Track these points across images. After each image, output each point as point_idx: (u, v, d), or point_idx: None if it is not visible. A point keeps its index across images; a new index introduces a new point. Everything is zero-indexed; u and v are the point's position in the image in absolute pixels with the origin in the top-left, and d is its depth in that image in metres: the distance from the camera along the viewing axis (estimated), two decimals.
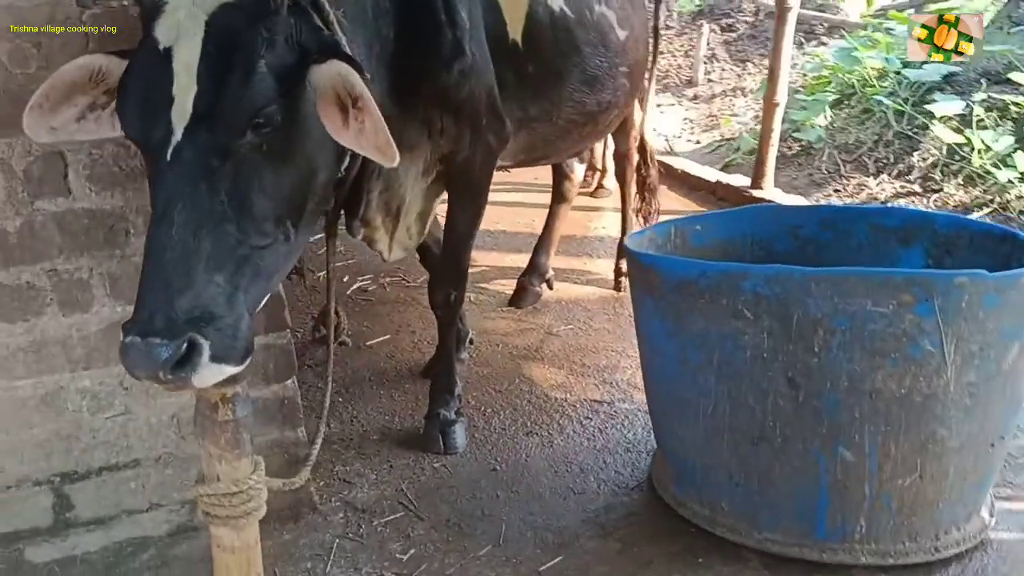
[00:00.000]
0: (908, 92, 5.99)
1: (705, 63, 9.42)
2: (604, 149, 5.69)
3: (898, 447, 2.09)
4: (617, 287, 4.24)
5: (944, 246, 2.55)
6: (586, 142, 3.46)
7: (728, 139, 7.43)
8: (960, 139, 5.32)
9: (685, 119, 8.46)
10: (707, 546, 2.35)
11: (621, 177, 4.39)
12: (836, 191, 5.74)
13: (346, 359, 3.57)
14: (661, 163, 5.31)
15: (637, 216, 4.40)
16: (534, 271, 4.13)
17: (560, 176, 4.20)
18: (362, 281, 4.46)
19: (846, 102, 6.56)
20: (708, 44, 9.60)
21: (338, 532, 2.48)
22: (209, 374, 1.58)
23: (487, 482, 2.71)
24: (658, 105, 8.32)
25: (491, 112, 2.55)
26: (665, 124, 8.02)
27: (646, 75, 3.93)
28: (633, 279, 2.58)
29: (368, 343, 3.75)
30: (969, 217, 4.47)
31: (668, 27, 10.39)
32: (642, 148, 4.29)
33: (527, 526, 2.48)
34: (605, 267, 4.53)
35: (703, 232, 2.76)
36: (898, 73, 6.20)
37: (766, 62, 6.07)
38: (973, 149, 5.23)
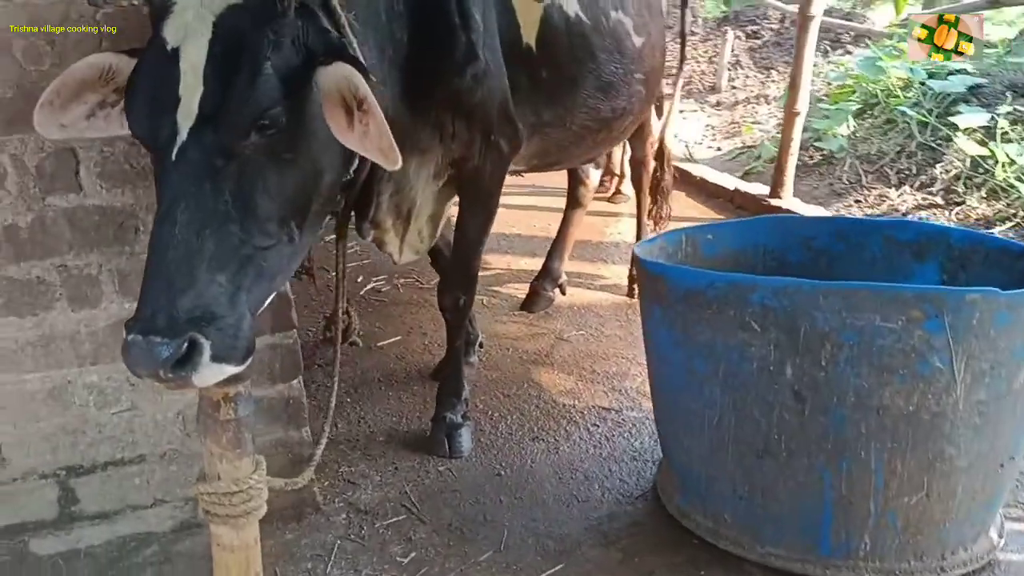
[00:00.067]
0: (933, 103, 5.92)
1: (729, 70, 9.39)
2: (622, 154, 5.66)
3: (905, 465, 2.06)
4: (631, 293, 4.22)
5: (959, 261, 2.52)
6: (600, 148, 3.44)
7: (749, 147, 7.39)
8: (984, 152, 5.25)
9: (707, 125, 8.43)
10: (710, 558, 2.33)
11: (637, 183, 4.38)
12: (857, 202, 5.69)
13: (356, 359, 3.58)
14: (679, 169, 5.30)
15: (649, 219, 4.38)
16: (547, 276, 4.12)
17: (575, 181, 4.19)
18: (376, 282, 4.47)
19: (869, 112, 6.49)
20: (732, 50, 9.55)
21: (340, 533, 2.48)
22: (209, 373, 1.59)
23: (491, 487, 2.70)
24: (680, 111, 8.28)
25: (504, 117, 2.55)
26: (686, 130, 7.99)
27: (667, 81, 3.91)
28: (642, 287, 2.56)
29: (379, 344, 3.75)
30: (987, 232, 4.41)
31: (693, 33, 10.35)
32: (660, 152, 4.27)
33: (529, 532, 2.47)
34: (619, 273, 4.52)
35: (715, 241, 2.74)
36: (923, 84, 6.13)
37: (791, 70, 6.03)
38: (997, 162, 5.15)
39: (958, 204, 5.20)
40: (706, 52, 10.24)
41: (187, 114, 1.59)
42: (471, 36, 2.35)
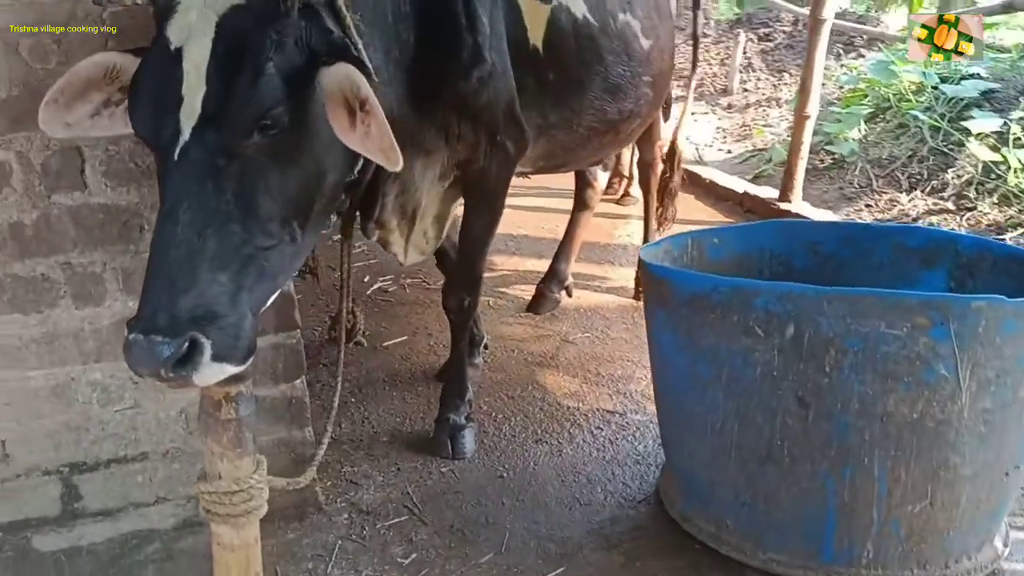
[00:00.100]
0: (945, 108, 5.88)
1: (741, 72, 9.34)
2: (632, 156, 5.65)
3: (908, 473, 2.04)
4: (637, 296, 4.20)
5: (967, 268, 2.50)
6: (607, 151, 3.43)
7: (760, 149, 7.35)
8: (996, 157, 5.21)
9: (718, 128, 8.39)
10: (712, 563, 2.33)
11: (645, 185, 4.37)
12: (867, 206, 5.65)
13: (361, 359, 3.58)
14: (688, 172, 5.26)
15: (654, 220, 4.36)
16: (553, 278, 4.11)
17: (583, 183, 4.18)
18: (382, 282, 4.47)
19: (881, 116, 6.45)
20: (745, 53, 9.51)
21: (341, 533, 2.48)
22: (210, 373, 1.59)
23: (493, 489, 2.69)
24: (691, 113, 8.25)
25: (510, 119, 2.54)
26: (697, 132, 7.96)
27: (679, 83, 3.90)
28: (646, 290, 2.56)
29: (384, 344, 3.75)
30: (995, 239, 4.38)
31: (705, 35, 10.32)
32: (672, 153, 4.25)
33: (531, 535, 2.47)
34: (626, 275, 4.50)
35: (720, 245, 2.72)
36: (935, 88, 6.08)
37: None
38: (1009, 168, 5.12)
39: (969, 210, 5.16)
40: (718, 54, 10.20)
41: (190, 114, 1.59)
42: (477, 38, 2.34)
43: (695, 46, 4.41)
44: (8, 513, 2.31)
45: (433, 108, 2.37)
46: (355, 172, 2.07)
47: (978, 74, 6.01)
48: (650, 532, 2.49)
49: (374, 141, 1.67)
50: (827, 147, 6.39)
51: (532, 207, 5.66)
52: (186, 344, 1.54)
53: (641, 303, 4.08)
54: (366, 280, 4.47)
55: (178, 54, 1.60)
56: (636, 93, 3.04)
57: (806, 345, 2.03)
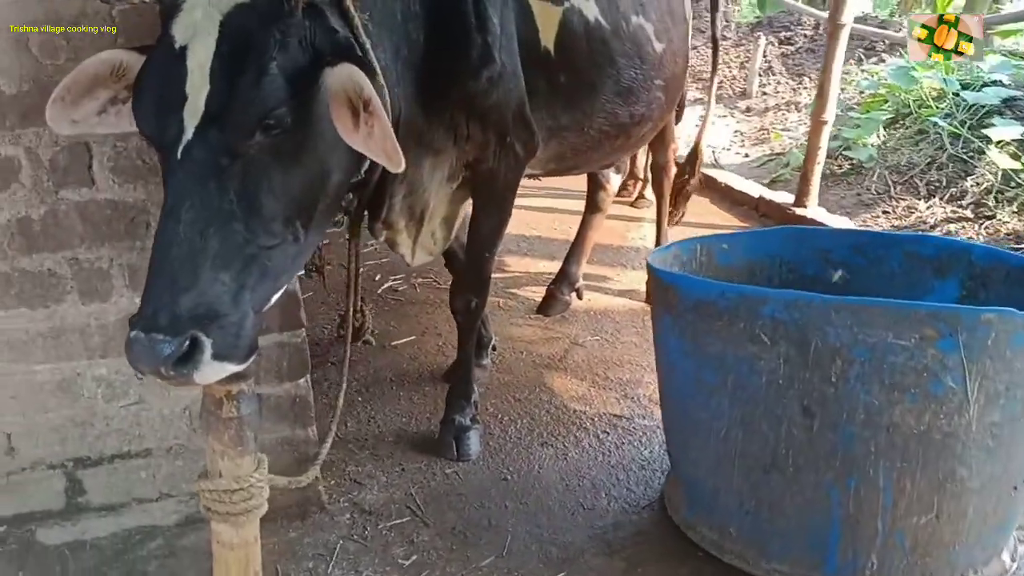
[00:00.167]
0: (965, 115, 5.82)
1: (760, 76, 9.29)
2: (647, 159, 5.63)
3: (914, 485, 2.01)
4: (649, 300, 4.18)
5: (980, 279, 2.46)
6: (618, 154, 3.41)
7: (778, 154, 7.31)
8: (1016, 165, 5.15)
9: (736, 131, 8.35)
10: (714, 572, 2.30)
11: (658, 189, 4.35)
12: (885, 212, 5.60)
13: (369, 358, 3.58)
14: (704, 176, 5.23)
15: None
16: (564, 280, 4.10)
17: (595, 186, 4.16)
18: (393, 280, 4.47)
19: (901, 122, 6.40)
20: (765, 56, 9.45)
21: (343, 533, 2.48)
22: (211, 372, 1.60)
23: (497, 491, 2.69)
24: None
25: (519, 120, 2.53)
26: (715, 135, 7.92)
27: (698, 86, 3.87)
28: (653, 295, 2.54)
29: (393, 343, 3.75)
30: (1014, 248, 4.33)
31: (725, 38, 10.27)
32: (693, 156, 4.23)
33: (533, 539, 2.46)
34: (638, 278, 4.48)
35: (730, 251, 2.70)
36: (956, 95, 6.02)
37: None
38: None
39: (988, 218, 5.10)
40: (738, 57, 10.14)
41: (193, 113, 1.59)
42: (487, 38, 2.33)
43: (714, 50, 4.39)
44: (13, 506, 2.32)
45: (442, 108, 2.36)
46: (362, 172, 2.07)
47: (1000, 81, 5.95)
48: (653, 538, 2.47)
49: (377, 142, 1.67)
50: (845, 152, 6.35)
51: (546, 208, 5.64)
52: (187, 343, 1.54)
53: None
54: (377, 279, 4.48)
55: (182, 53, 1.60)
56: (648, 97, 3.02)
57: (812, 354, 2.01)
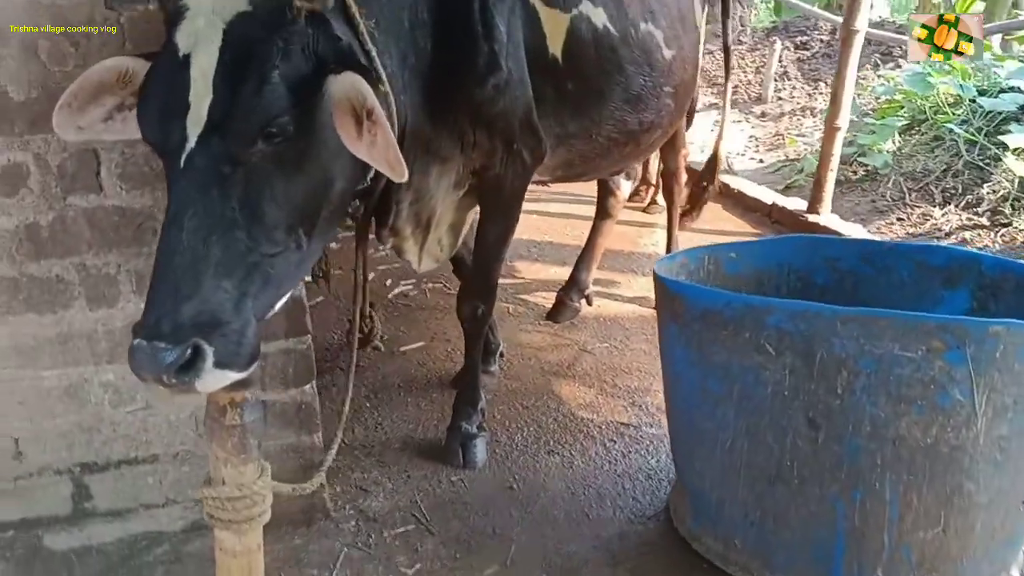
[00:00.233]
0: (982, 121, 5.76)
1: (776, 81, 9.23)
2: (659, 164, 5.61)
3: (921, 498, 1.99)
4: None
5: (990, 289, 2.44)
6: (627, 161, 3.40)
7: (792, 159, 7.26)
8: None
9: (751, 137, 8.30)
10: None
11: (668, 195, 4.33)
12: (899, 219, 5.55)
13: (378, 364, 3.58)
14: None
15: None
16: (573, 286, 4.08)
17: (605, 192, 4.15)
18: (404, 286, 4.47)
19: (916, 128, 6.34)
20: (780, 61, 9.39)
21: (347, 541, 2.48)
22: (213, 379, 1.60)
23: (502, 500, 2.68)
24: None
25: (526, 128, 2.52)
26: (730, 141, 7.88)
27: (713, 90, 3.86)
28: (660, 304, 2.53)
29: (402, 349, 3.75)
30: (1020, 260, 4.27)
31: (740, 42, 10.24)
32: (713, 162, 4.21)
33: (537, 548, 2.45)
34: (649, 285, 4.38)
35: (738, 260, 2.68)
36: (973, 101, 5.97)
37: None
38: None
39: (1004, 226, 5.05)
40: (753, 62, 10.09)
41: (196, 121, 1.60)
42: (494, 46, 2.33)
43: (727, 55, 4.37)
44: (20, 511, 2.34)
45: (449, 115, 2.36)
46: (368, 179, 2.07)
47: (1017, 87, 5.89)
48: (658, 549, 2.45)
49: (380, 151, 1.67)
50: (860, 159, 6.29)
51: (559, 213, 5.63)
52: (189, 351, 1.55)
53: None
54: (387, 284, 4.48)
55: (186, 61, 1.61)
56: (658, 104, 3.01)
57: (818, 365, 1.99)
